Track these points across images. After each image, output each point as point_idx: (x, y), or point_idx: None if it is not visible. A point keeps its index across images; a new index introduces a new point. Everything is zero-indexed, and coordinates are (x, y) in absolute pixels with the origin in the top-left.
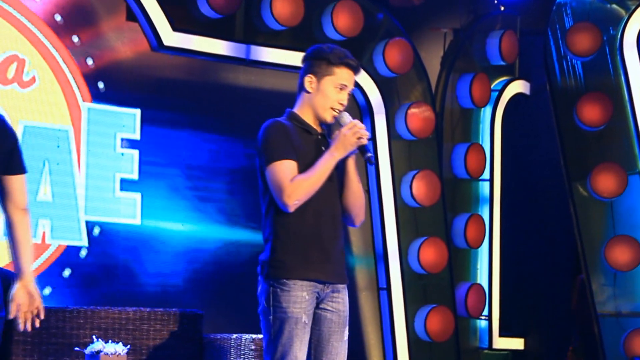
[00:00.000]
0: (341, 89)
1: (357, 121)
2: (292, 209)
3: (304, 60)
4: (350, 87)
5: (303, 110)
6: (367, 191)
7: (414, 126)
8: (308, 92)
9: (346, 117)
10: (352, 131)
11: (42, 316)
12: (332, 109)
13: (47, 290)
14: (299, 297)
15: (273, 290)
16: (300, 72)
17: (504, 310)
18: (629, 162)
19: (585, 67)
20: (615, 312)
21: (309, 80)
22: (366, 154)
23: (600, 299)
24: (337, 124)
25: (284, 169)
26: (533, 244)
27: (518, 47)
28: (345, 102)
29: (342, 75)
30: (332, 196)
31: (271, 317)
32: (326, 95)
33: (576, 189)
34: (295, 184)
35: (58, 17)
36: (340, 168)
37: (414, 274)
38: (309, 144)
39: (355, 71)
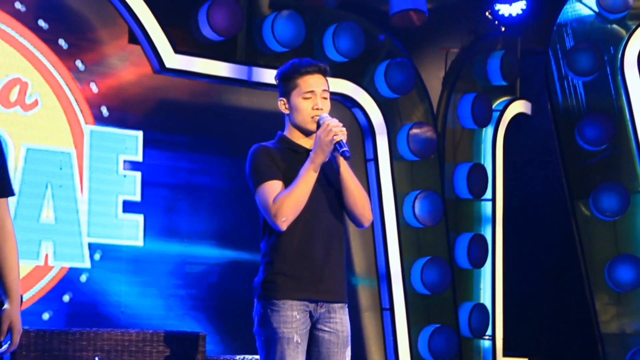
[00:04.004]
0: (310, 96)
1: (330, 120)
2: (283, 226)
3: (276, 86)
4: (320, 89)
5: (290, 131)
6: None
7: (416, 146)
8: (287, 114)
9: (322, 120)
10: (326, 131)
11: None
12: (312, 118)
13: (49, 313)
14: (289, 317)
15: (264, 311)
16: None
17: (508, 330)
18: (632, 181)
19: (586, 86)
20: (619, 332)
21: (282, 103)
22: (340, 149)
23: (604, 318)
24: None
25: (267, 190)
26: (536, 264)
27: (519, 67)
28: (320, 106)
29: (305, 84)
30: (325, 211)
31: (263, 337)
32: (299, 109)
33: (579, 208)
34: (279, 202)
35: (61, 40)
36: (336, 173)
37: (417, 294)
38: (297, 163)
39: (319, 72)
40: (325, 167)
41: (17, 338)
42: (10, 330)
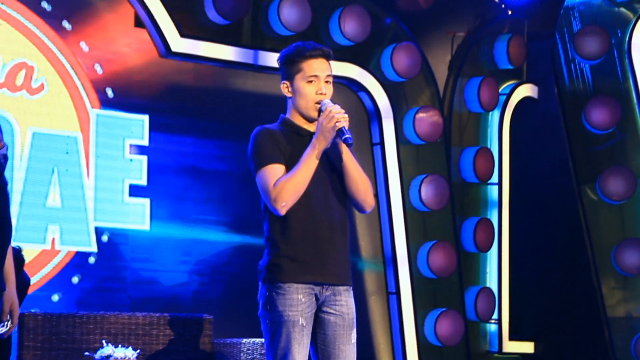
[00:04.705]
0: (313, 80)
1: (333, 106)
2: (282, 211)
3: (279, 69)
4: (324, 74)
5: (292, 114)
6: (376, 195)
7: (422, 130)
8: (289, 97)
9: (324, 106)
10: (328, 118)
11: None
12: (316, 103)
13: (56, 296)
14: (295, 300)
15: (269, 294)
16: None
17: (514, 314)
18: (638, 165)
19: (593, 70)
20: (625, 316)
21: (285, 87)
22: (343, 137)
23: (610, 302)
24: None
25: (268, 174)
26: (542, 248)
27: (526, 50)
28: (324, 91)
29: (309, 68)
30: (329, 195)
31: (268, 320)
32: (302, 93)
33: (585, 193)
34: (279, 186)
35: (66, 24)
36: (339, 158)
37: (423, 278)
38: (300, 146)
39: (323, 56)
40: (329, 151)
41: (16, 319)
42: (10, 311)
